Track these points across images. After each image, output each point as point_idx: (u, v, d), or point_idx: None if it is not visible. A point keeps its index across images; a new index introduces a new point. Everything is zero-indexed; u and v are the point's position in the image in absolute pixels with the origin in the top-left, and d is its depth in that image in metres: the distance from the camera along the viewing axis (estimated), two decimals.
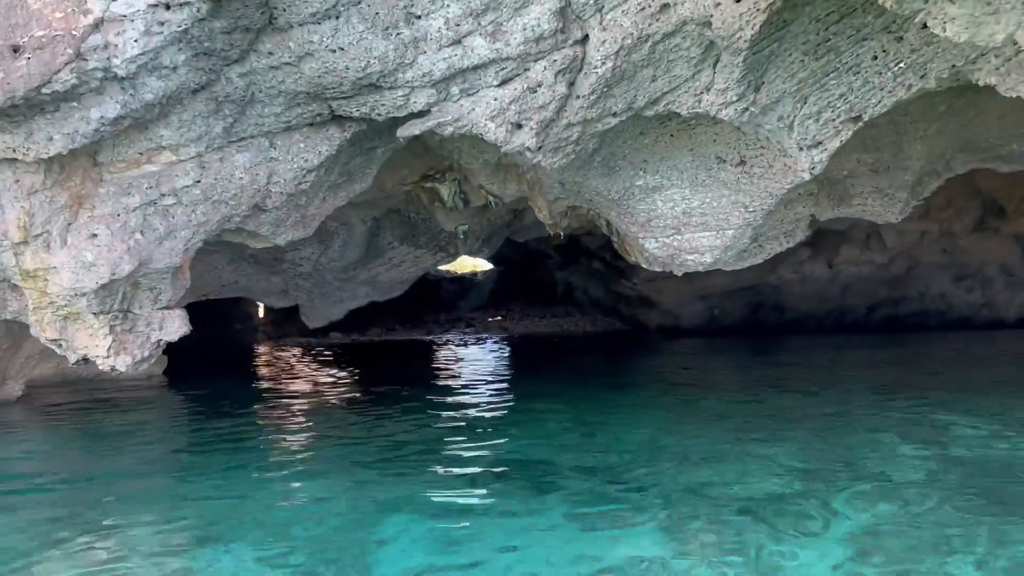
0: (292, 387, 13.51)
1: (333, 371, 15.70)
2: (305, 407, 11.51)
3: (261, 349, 24.26)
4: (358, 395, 12.43)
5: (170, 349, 8.81)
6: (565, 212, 9.49)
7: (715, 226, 8.08)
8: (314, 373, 15.65)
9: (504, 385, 13.22)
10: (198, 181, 6.77)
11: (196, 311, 21.66)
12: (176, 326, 7.85)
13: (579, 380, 13.41)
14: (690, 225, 8.14)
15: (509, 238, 21.18)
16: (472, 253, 14.24)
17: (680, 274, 9.27)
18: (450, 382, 13.55)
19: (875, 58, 6.49)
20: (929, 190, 11.36)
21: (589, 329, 27.84)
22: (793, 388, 11.93)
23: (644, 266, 9.56)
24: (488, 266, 29.84)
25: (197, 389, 13.11)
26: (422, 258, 13.45)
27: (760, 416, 9.48)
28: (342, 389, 13.21)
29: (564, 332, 26.91)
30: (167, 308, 7.75)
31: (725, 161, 7.65)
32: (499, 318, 28.94)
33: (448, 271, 30.02)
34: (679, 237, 8.29)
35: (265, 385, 13.95)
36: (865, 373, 14.13)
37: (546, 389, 12.16)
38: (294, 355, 20.97)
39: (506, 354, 19.81)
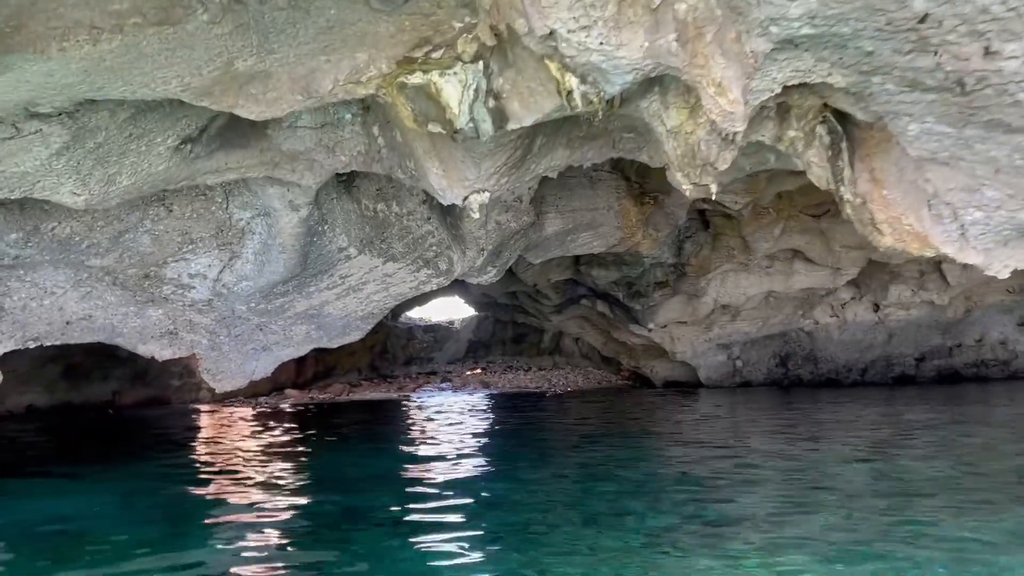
0: (208, 496, 7.20)
1: (279, 457, 9.39)
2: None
3: (201, 413, 17.79)
4: (303, 519, 6.22)
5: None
6: (773, 103, 3.53)
7: None
8: (252, 458, 9.34)
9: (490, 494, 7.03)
10: None
11: (120, 365, 15.05)
12: None
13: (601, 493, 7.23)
14: None
15: (507, 271, 15.10)
16: (475, 274, 8.14)
17: None
18: (422, 478, 7.42)
19: None
20: None
21: (582, 385, 21.68)
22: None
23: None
24: (466, 312, 23.64)
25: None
26: (396, 278, 7.34)
27: None
28: (281, 502, 6.98)
29: (554, 388, 20.73)
30: None
31: None
32: (479, 371, 22.67)
33: (422, 319, 23.77)
34: None
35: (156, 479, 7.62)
36: None
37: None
38: (236, 422, 14.52)
39: (488, 423, 13.57)
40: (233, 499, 6.86)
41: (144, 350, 7.48)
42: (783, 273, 15.96)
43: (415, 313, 23.31)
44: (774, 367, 18.01)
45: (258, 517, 6.09)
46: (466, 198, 4.90)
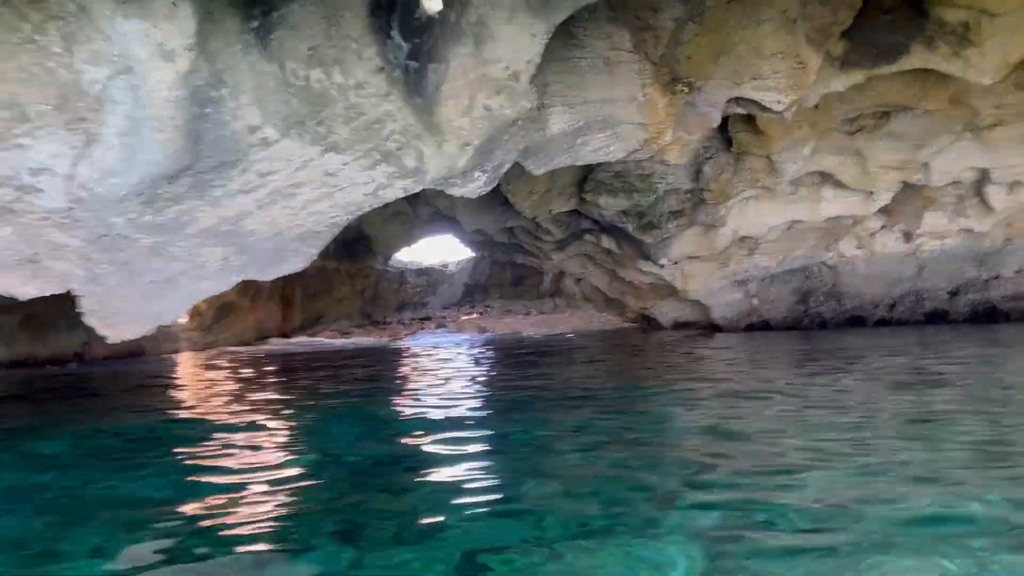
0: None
1: (256, 414, 7.04)
2: None
3: (177, 364, 15.46)
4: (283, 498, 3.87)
5: None
6: None
7: None
8: (225, 415, 6.99)
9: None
10: None
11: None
12: None
13: None
14: None
15: (503, 204, 12.59)
16: (458, 180, 5.66)
17: None
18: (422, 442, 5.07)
19: None
20: None
21: (582, 328, 19.35)
22: None
23: None
24: (461, 254, 21.14)
25: None
26: (342, 178, 4.86)
27: None
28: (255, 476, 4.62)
29: (556, 332, 18.39)
30: None
31: None
32: (476, 316, 20.30)
33: (413, 261, 21.30)
34: None
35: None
36: None
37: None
38: (214, 373, 12.14)
39: (491, 371, 11.22)
40: (201, 467, 4.55)
41: None
42: (810, 200, 13.49)
43: (406, 255, 20.86)
44: (794, 304, 15.63)
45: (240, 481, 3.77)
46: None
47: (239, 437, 5.92)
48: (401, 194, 5.25)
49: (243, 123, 4.26)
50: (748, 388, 7.63)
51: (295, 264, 5.53)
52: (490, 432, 5.91)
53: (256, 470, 4.79)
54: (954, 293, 15.03)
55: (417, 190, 5.36)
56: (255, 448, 5.51)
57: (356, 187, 5.01)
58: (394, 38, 5.13)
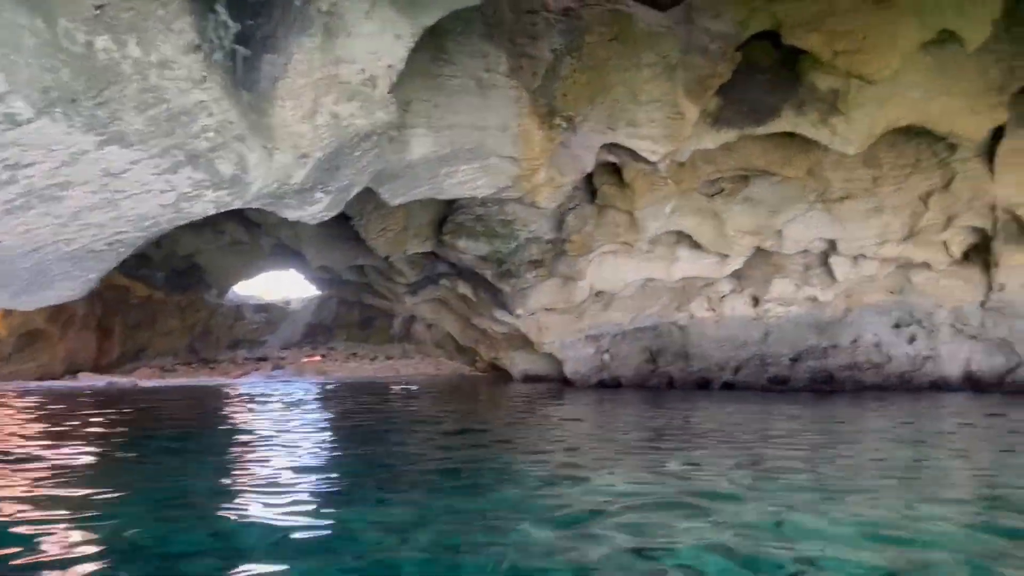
0: None
1: (41, 472, 5.28)
2: None
3: None
4: None
5: None
6: None
7: None
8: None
9: None
10: None
11: None
12: None
13: None
14: None
15: (354, 239, 11.34)
16: (293, 198, 4.51)
17: None
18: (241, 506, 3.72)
19: None
20: None
21: (432, 373, 18.25)
22: None
23: None
24: (306, 291, 19.47)
25: None
26: (130, 180, 3.56)
27: None
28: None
29: (403, 378, 17.14)
30: None
31: None
32: (317, 358, 18.68)
33: (252, 296, 19.43)
34: None
35: None
36: None
37: None
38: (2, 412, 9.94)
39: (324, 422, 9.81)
40: None
41: None
42: (666, 259, 13.17)
43: (244, 289, 19.00)
44: (643, 363, 15.22)
45: None
46: None
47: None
48: (212, 209, 4.02)
49: None
50: None
51: (65, 291, 4.14)
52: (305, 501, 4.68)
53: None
54: (795, 359, 15.12)
55: (236, 205, 4.15)
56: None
57: (150, 195, 3.75)
58: (219, 12, 3.97)
